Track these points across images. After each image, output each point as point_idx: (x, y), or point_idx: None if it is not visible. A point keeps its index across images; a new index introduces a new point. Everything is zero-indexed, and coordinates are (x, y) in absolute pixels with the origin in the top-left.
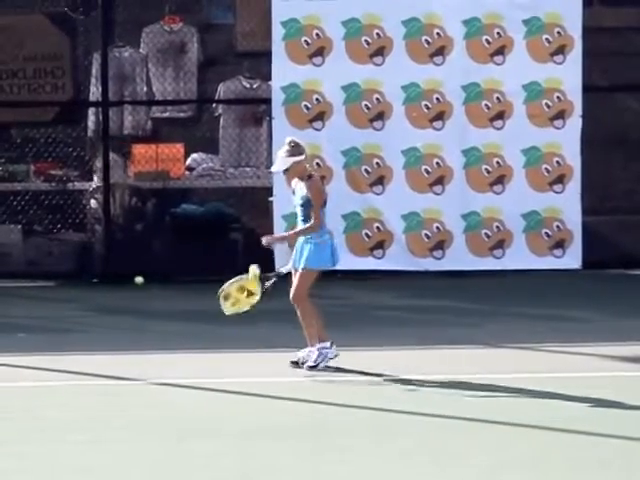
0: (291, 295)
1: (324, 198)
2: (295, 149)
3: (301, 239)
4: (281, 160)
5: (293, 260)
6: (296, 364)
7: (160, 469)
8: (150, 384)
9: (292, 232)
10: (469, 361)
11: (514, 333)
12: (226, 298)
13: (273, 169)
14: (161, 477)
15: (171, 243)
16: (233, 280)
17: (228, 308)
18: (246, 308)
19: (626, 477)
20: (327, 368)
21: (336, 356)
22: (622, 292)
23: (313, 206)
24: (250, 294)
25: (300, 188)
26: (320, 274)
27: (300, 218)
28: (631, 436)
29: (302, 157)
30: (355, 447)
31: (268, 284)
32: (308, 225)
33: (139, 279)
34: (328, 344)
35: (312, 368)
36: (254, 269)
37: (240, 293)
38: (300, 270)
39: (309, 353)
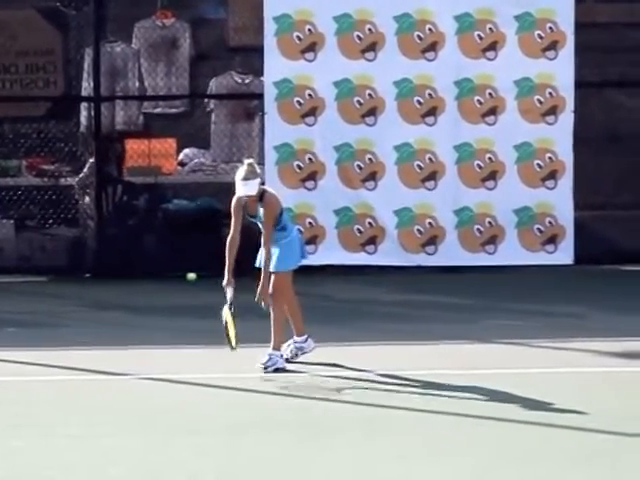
0: (269, 293)
1: (280, 209)
2: (255, 171)
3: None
4: (247, 185)
5: (259, 260)
6: (287, 361)
7: (148, 464)
8: (140, 379)
9: (265, 268)
10: (461, 357)
11: (506, 329)
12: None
13: (247, 193)
14: (149, 472)
15: (163, 238)
16: (227, 326)
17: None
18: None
19: (626, 473)
20: (319, 364)
21: (284, 369)
22: (614, 288)
23: (265, 224)
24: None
25: (258, 209)
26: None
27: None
28: (624, 432)
29: (259, 178)
30: (346, 443)
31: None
32: (265, 253)
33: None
34: (279, 353)
35: (265, 369)
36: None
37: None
38: (273, 273)
39: (292, 344)
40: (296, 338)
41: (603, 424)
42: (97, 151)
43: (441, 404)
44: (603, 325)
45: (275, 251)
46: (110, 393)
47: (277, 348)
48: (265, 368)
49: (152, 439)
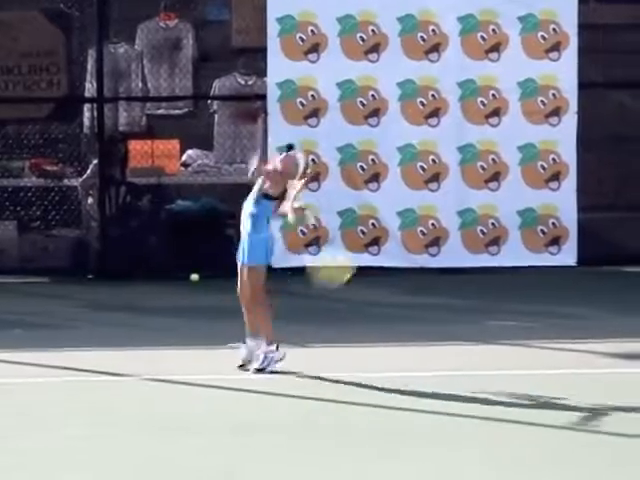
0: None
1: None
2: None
3: (244, 234)
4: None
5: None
6: (242, 366)
7: (154, 465)
8: (144, 380)
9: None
10: (464, 358)
11: (509, 330)
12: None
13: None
14: (155, 473)
15: (166, 239)
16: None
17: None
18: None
19: (626, 476)
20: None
21: (281, 359)
22: (617, 289)
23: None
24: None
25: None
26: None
27: None
28: (625, 433)
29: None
30: (347, 445)
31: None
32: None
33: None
34: (272, 348)
35: (259, 371)
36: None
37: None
38: (246, 266)
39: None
40: (250, 341)
41: (608, 426)
42: (100, 152)
43: (443, 405)
44: (606, 326)
45: (244, 242)
46: (115, 394)
47: (269, 342)
48: (261, 370)
49: (158, 440)
